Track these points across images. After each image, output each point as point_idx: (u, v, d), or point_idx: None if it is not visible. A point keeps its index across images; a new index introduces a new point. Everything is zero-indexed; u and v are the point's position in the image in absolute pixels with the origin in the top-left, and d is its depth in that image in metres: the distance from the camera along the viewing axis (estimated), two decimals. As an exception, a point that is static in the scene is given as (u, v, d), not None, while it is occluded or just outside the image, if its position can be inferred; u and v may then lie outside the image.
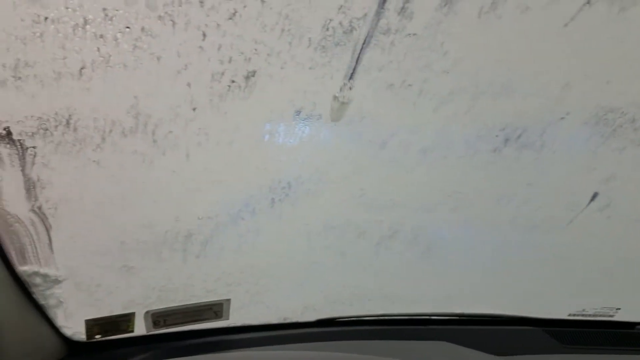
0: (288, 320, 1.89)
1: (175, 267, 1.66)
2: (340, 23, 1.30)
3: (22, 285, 1.46)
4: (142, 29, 1.17)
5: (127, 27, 1.15)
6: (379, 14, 1.31)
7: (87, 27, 1.12)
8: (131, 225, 1.51)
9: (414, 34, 1.36)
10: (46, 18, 1.09)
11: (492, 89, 1.50)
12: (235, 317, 1.84)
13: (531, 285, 2.01)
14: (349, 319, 1.95)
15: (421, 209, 1.72)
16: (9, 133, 1.21)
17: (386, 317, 1.97)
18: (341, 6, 1.27)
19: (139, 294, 1.68)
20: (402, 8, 1.31)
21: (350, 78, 1.40)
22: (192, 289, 1.74)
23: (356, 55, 1.37)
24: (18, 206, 1.35)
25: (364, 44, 1.36)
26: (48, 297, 1.54)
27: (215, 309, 1.80)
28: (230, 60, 1.28)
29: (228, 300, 1.79)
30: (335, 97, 1.44)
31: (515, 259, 1.91)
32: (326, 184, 1.61)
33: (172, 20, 1.17)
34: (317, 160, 1.56)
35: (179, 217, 1.54)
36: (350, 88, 1.42)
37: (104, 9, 1.12)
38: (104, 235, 1.51)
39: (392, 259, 1.80)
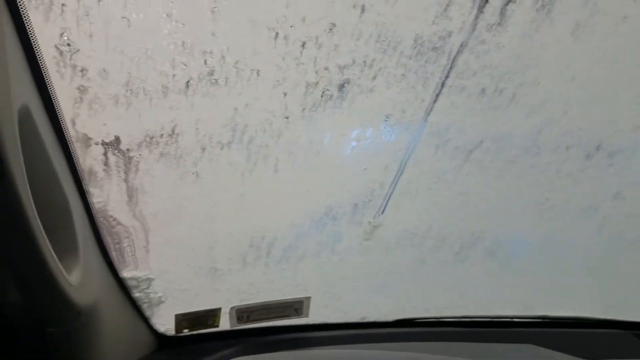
0: (366, 320, 1.92)
1: (259, 270, 1.71)
2: (435, 33, 1.30)
3: (122, 285, 1.54)
4: (246, 44, 1.19)
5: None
6: (474, 25, 1.30)
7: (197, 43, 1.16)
8: (221, 231, 1.57)
9: (508, 45, 1.35)
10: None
11: (584, 98, 1.47)
12: (315, 315, 1.88)
13: (620, 288, 1.96)
14: (429, 319, 1.96)
15: (505, 216, 1.71)
16: (118, 143, 1.26)
17: (467, 319, 1.96)
18: (435, 19, 1.27)
19: (224, 293, 1.75)
20: (497, 21, 1.29)
21: (442, 86, 1.40)
22: (273, 289, 1.79)
23: (451, 60, 1.36)
24: (121, 210, 1.41)
25: (458, 51, 1.35)
26: (144, 295, 1.62)
27: (296, 306, 1.85)
28: (325, 70, 1.30)
29: (308, 298, 1.83)
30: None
31: (601, 263, 1.87)
32: (409, 192, 1.62)
33: (276, 33, 1.19)
34: (402, 167, 1.56)
35: (264, 225, 1.59)
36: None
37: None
38: (195, 241, 1.57)
39: (473, 267, 1.80)
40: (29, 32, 0.83)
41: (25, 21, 0.81)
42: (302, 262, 1.72)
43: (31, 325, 1.01)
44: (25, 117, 0.80)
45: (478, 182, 1.61)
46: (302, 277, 1.78)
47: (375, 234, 1.69)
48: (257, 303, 1.80)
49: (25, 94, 0.83)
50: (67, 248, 1.06)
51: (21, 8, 0.77)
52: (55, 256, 0.90)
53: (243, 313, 1.81)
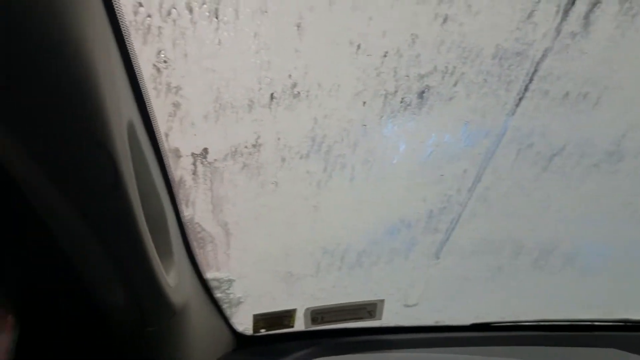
0: (440, 323, 1.91)
1: (332, 274, 1.74)
2: (518, 39, 1.27)
3: (205, 286, 1.61)
4: (328, 58, 1.22)
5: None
6: (558, 30, 1.27)
7: (281, 59, 1.19)
8: (297, 238, 1.61)
9: (592, 50, 1.31)
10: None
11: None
12: (388, 318, 1.89)
13: None
14: (506, 323, 1.93)
15: (586, 223, 1.66)
16: (205, 154, 1.32)
17: (545, 323, 1.92)
18: (519, 24, 1.24)
19: (299, 295, 1.79)
20: (582, 26, 1.26)
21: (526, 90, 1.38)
22: (347, 293, 1.82)
23: (534, 65, 1.33)
24: (206, 217, 1.47)
25: (542, 56, 1.32)
26: (225, 296, 1.69)
27: (369, 309, 1.87)
28: (405, 78, 1.30)
29: (382, 301, 1.85)
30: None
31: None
32: (487, 198, 1.60)
33: (357, 46, 1.21)
34: (480, 173, 1.55)
35: (339, 232, 1.62)
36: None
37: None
38: (273, 247, 1.62)
39: (551, 273, 1.76)
40: (131, 54, 0.88)
41: (127, 43, 0.85)
42: (376, 267, 1.74)
43: (132, 324, 1.07)
44: (131, 132, 0.85)
45: (559, 188, 1.57)
46: (375, 282, 1.80)
47: (451, 238, 1.69)
48: (332, 305, 1.83)
49: (129, 110, 0.88)
50: (164, 251, 1.12)
51: (124, 31, 0.82)
52: (158, 259, 0.96)
53: (318, 314, 1.85)
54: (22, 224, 0.73)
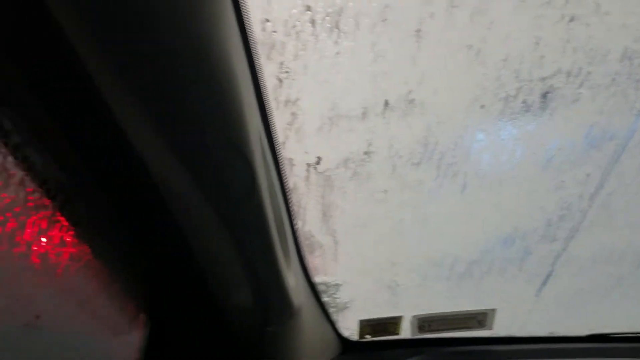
0: (555, 334, 1.82)
1: (441, 283, 1.70)
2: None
3: (313, 290, 1.63)
4: (446, 64, 1.18)
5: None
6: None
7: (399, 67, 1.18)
8: (404, 247, 1.59)
9: None
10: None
11: None
12: (499, 328, 1.82)
13: None
14: (627, 334, 1.80)
15: None
16: (318, 163, 1.33)
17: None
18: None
19: (405, 302, 1.77)
20: None
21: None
22: (455, 302, 1.77)
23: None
24: (315, 224, 1.49)
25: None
26: (331, 300, 1.70)
27: (479, 318, 1.81)
28: (527, 81, 1.24)
29: (493, 310, 1.79)
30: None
31: None
32: (612, 205, 1.49)
33: (477, 51, 1.17)
34: (604, 178, 1.45)
35: (449, 242, 1.58)
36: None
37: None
38: (380, 254, 1.61)
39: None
40: (257, 67, 0.91)
41: (255, 57, 0.88)
42: (487, 277, 1.68)
43: (253, 323, 1.10)
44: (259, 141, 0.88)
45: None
46: (486, 291, 1.74)
47: (568, 248, 1.59)
48: (439, 313, 1.79)
49: (257, 120, 0.90)
50: (285, 254, 1.15)
51: (252, 46, 0.84)
52: (284, 260, 0.99)
53: (424, 322, 1.81)
54: (158, 227, 0.77)
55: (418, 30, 1.09)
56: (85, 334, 0.80)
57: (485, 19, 1.10)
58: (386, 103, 1.22)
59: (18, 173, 0.62)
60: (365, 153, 1.32)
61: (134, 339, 0.87)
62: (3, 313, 0.68)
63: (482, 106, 1.27)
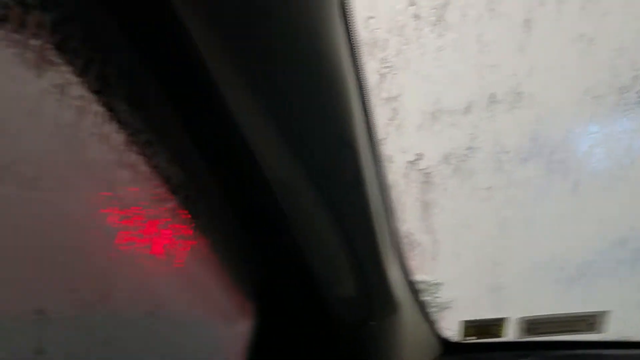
0: (677, 341, 1.68)
1: (548, 285, 1.62)
2: None
3: (412, 288, 1.61)
4: (555, 55, 1.13)
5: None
6: None
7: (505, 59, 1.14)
8: (508, 248, 1.53)
9: None
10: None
11: None
12: (612, 331, 1.71)
13: None
14: None
15: None
16: (418, 160, 1.31)
17: None
18: None
19: (509, 303, 1.70)
20: None
21: None
22: (563, 304, 1.68)
23: None
24: (414, 222, 1.47)
25: None
26: (432, 299, 1.67)
27: (590, 321, 1.70)
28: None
29: (605, 313, 1.67)
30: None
31: None
32: None
33: (589, 40, 1.10)
34: None
35: (557, 243, 1.50)
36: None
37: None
38: (482, 254, 1.56)
39: None
40: (360, 63, 0.91)
41: (358, 53, 0.88)
42: (598, 279, 1.58)
43: (356, 317, 1.11)
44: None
45: None
46: (597, 294, 1.63)
47: None
48: (547, 315, 1.71)
49: (360, 116, 0.91)
50: (387, 249, 1.15)
51: (355, 42, 0.85)
52: (387, 255, 0.99)
53: (531, 325, 1.73)
54: (269, 220, 0.80)
55: (527, 20, 1.05)
56: (199, 322, 0.84)
57: (598, 7, 1.04)
58: (492, 96, 1.19)
59: (145, 169, 0.67)
60: (468, 148, 1.29)
61: (242, 327, 0.90)
62: (128, 301, 0.74)
63: (595, 98, 1.20)
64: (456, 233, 1.50)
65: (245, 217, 0.77)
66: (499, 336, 1.77)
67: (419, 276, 1.61)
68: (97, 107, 0.59)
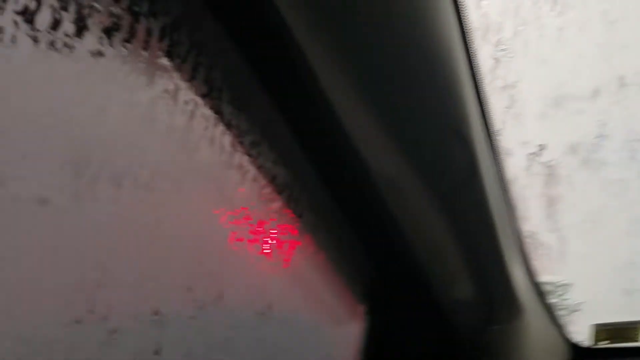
0: None
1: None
2: None
3: (537, 289, 1.50)
4: None
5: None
6: None
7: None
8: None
9: None
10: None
11: None
12: None
13: None
14: None
15: None
16: (541, 151, 1.22)
17: None
18: None
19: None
20: None
21: None
22: None
23: None
24: (538, 221, 1.38)
25: None
26: (559, 302, 1.56)
27: None
28: None
29: None
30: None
31: None
32: None
33: None
34: None
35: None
36: None
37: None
38: (615, 254, 1.43)
39: None
40: (472, 50, 0.86)
41: (470, 40, 0.84)
42: None
43: (476, 321, 1.05)
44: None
45: None
46: None
47: None
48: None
49: (474, 106, 0.86)
50: (508, 248, 1.08)
51: (467, 29, 0.80)
52: (509, 253, 0.92)
53: (672, 329, 1.56)
54: (377, 217, 0.77)
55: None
56: (310, 323, 0.84)
57: None
58: (621, 79, 1.07)
59: (252, 170, 0.67)
60: (598, 137, 1.18)
61: (353, 329, 0.89)
62: (240, 301, 0.75)
63: None
64: (585, 230, 1.39)
65: (353, 216, 0.75)
66: (635, 340, 1.62)
67: (544, 277, 1.51)
68: (205, 111, 0.61)
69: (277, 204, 0.71)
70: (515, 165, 1.25)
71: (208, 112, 0.61)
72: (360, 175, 0.68)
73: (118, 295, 0.62)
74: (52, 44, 0.39)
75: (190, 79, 0.58)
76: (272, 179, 0.69)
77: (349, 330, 0.87)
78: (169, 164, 0.63)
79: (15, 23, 0.35)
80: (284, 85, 0.62)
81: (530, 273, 1.43)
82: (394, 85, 0.56)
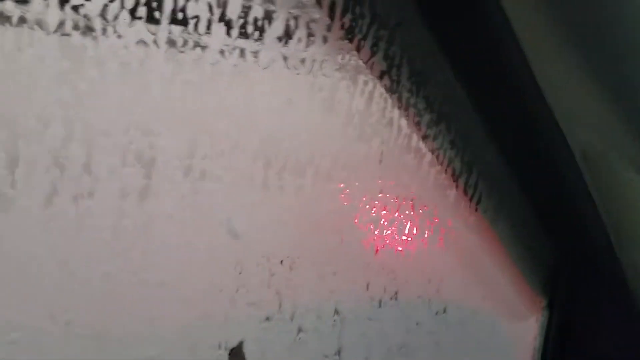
0: None
1: None
2: None
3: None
4: None
5: None
6: None
7: None
8: None
9: None
10: None
11: None
12: None
13: None
14: None
15: None
16: None
17: None
18: None
19: None
20: None
21: None
22: None
23: None
24: None
25: None
26: None
27: None
28: None
29: None
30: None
31: None
32: None
33: None
34: None
35: None
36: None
37: None
38: None
39: None
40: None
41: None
42: None
43: None
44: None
45: None
46: None
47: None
48: None
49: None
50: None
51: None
52: None
53: None
54: (565, 205, 0.69)
55: None
56: (486, 320, 0.77)
57: None
58: None
59: (429, 154, 0.62)
60: None
61: (532, 324, 0.81)
62: (418, 300, 0.69)
63: None
64: None
65: (540, 201, 0.67)
66: None
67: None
68: (382, 91, 0.56)
69: (453, 191, 0.65)
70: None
71: (386, 93, 0.57)
72: (554, 153, 0.60)
73: (302, 292, 0.59)
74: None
75: (370, 56, 0.54)
76: (449, 163, 0.63)
77: (527, 325, 0.79)
78: (347, 153, 0.59)
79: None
80: (469, 56, 0.56)
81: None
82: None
